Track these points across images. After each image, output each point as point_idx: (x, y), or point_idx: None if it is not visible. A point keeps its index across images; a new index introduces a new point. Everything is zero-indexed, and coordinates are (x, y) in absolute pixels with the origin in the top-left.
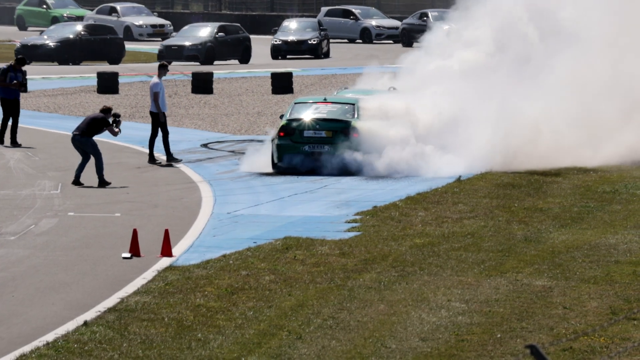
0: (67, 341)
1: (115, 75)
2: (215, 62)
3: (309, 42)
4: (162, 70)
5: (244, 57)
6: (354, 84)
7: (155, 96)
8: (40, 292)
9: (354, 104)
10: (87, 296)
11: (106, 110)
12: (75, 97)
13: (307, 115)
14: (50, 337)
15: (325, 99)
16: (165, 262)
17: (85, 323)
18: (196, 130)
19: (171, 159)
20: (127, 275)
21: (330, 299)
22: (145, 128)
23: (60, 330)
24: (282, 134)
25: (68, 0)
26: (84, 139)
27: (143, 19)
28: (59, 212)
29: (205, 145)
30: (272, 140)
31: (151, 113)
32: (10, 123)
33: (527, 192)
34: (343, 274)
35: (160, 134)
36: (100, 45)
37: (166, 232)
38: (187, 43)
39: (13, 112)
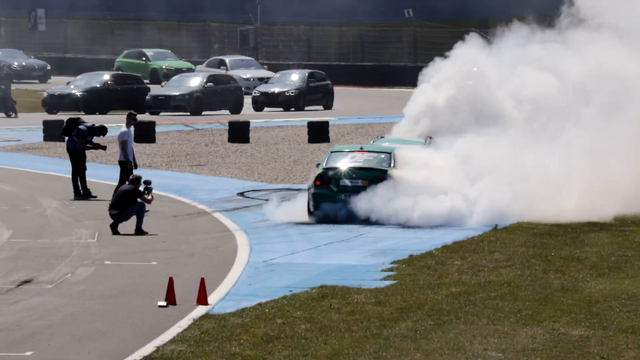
0: None
1: (153, 124)
2: (204, 113)
3: (286, 94)
4: (130, 120)
5: (235, 107)
6: (391, 133)
7: (123, 145)
8: (77, 340)
9: (390, 153)
10: (123, 345)
11: (135, 181)
12: (112, 147)
13: (344, 164)
14: None
15: (361, 148)
16: (201, 310)
17: None
18: (233, 179)
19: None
20: (163, 323)
21: (366, 347)
22: (181, 177)
23: None
24: (318, 182)
25: (168, 53)
26: (124, 216)
27: (251, 72)
28: (96, 260)
29: (241, 194)
30: (309, 189)
31: (119, 162)
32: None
33: (564, 241)
34: (379, 323)
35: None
36: (129, 94)
37: (202, 280)
38: (175, 93)
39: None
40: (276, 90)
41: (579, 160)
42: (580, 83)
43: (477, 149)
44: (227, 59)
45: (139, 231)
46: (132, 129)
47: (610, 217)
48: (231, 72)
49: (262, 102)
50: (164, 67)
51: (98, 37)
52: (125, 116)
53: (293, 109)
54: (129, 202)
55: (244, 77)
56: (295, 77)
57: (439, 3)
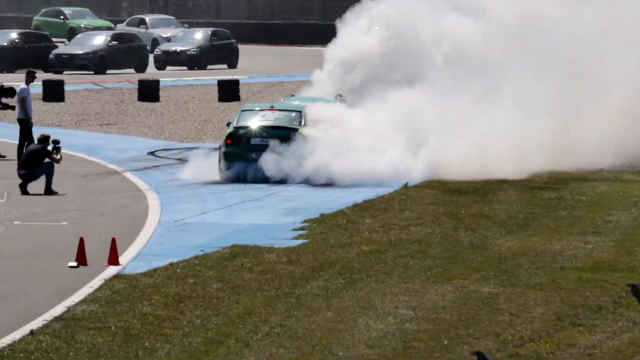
0: (13, 350)
1: (61, 83)
2: (108, 71)
3: (188, 53)
4: (29, 77)
5: (140, 66)
6: (301, 92)
7: (22, 101)
8: None
9: (300, 112)
10: (34, 305)
11: (44, 140)
12: None
13: (255, 122)
14: None
15: (272, 107)
16: (112, 270)
17: (32, 332)
18: (143, 138)
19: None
20: (74, 284)
21: (278, 306)
22: (91, 136)
23: (6, 340)
24: (229, 141)
25: (86, 11)
26: (32, 174)
27: (171, 31)
28: (5, 221)
29: (152, 153)
30: (219, 148)
31: (19, 120)
32: None
33: (473, 199)
34: (290, 282)
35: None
36: (37, 53)
37: (113, 240)
38: (79, 52)
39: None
40: (178, 48)
41: (504, 115)
42: (510, 27)
43: (390, 106)
44: (148, 18)
45: (49, 191)
46: (30, 86)
47: (528, 174)
48: (152, 31)
49: (164, 60)
50: (82, 25)
51: None
52: (25, 73)
53: (196, 68)
54: (38, 161)
55: (164, 35)
56: (198, 36)
57: None
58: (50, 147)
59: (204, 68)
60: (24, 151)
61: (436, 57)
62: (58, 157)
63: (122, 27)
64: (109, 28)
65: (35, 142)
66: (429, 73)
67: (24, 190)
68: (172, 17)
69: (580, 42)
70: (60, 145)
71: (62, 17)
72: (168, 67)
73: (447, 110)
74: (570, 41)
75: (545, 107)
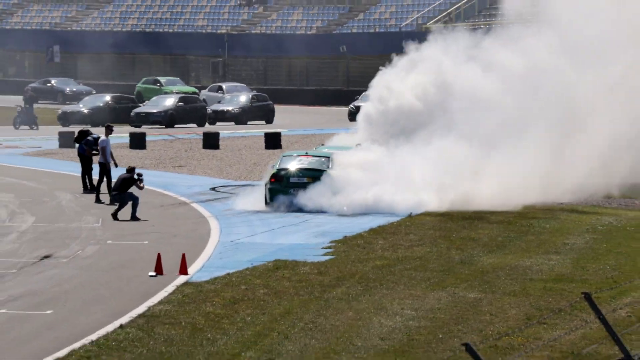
0: (106, 340)
1: (143, 134)
2: (176, 126)
3: (232, 112)
4: (108, 130)
5: (200, 121)
6: (330, 142)
7: (103, 150)
8: (86, 303)
9: (329, 157)
10: (123, 305)
11: (131, 170)
12: (115, 152)
13: (293, 165)
14: (93, 337)
15: (307, 153)
16: (182, 279)
17: (121, 326)
18: (206, 177)
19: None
20: (153, 289)
21: (310, 307)
22: (166, 175)
23: (102, 332)
24: (273, 179)
25: (177, 80)
26: (122, 195)
27: (244, 96)
28: (100, 240)
29: (213, 189)
30: (265, 185)
31: (99, 163)
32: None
33: (463, 225)
34: (320, 288)
35: (104, 179)
36: (125, 111)
37: (183, 256)
38: (153, 110)
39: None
40: (225, 108)
41: (495, 155)
42: (518, 80)
43: (402, 153)
44: (224, 85)
45: (134, 218)
46: (109, 137)
47: (512, 206)
48: (226, 96)
49: (214, 118)
50: (174, 91)
51: (102, 69)
52: (104, 128)
53: (237, 124)
54: (127, 186)
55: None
56: (242, 99)
57: (367, 42)
58: (135, 177)
59: (245, 124)
60: (118, 179)
61: (453, 108)
62: (142, 185)
63: (205, 93)
64: (194, 93)
65: (125, 171)
66: (446, 122)
67: (115, 217)
68: (244, 85)
69: (574, 93)
70: (142, 177)
71: (158, 84)
72: (217, 123)
73: (453, 154)
74: (565, 92)
75: (536, 152)
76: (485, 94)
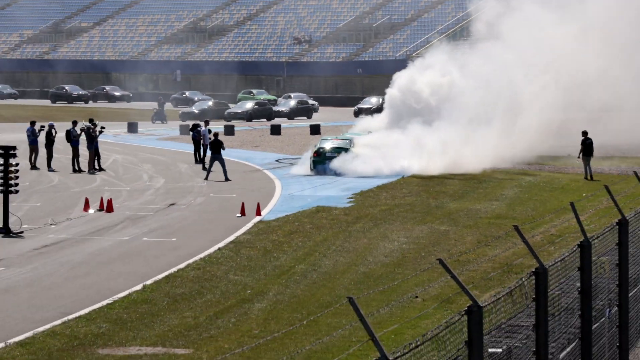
0: (209, 257)
1: (232, 127)
2: (254, 121)
3: (284, 111)
4: (206, 123)
5: (269, 118)
6: (352, 129)
7: (204, 136)
8: (198, 233)
9: (350, 140)
10: (220, 235)
11: (215, 135)
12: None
13: (328, 145)
14: (202, 255)
15: (336, 137)
16: (257, 218)
17: (219, 248)
18: (273, 153)
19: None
20: (239, 225)
21: (339, 236)
22: (247, 152)
23: (207, 252)
24: (315, 154)
25: (263, 91)
26: (217, 158)
27: (293, 101)
28: (205, 194)
29: (277, 161)
30: (310, 158)
31: (202, 145)
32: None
33: (437, 183)
34: (346, 224)
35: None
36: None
37: (258, 204)
38: (239, 110)
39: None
40: (280, 109)
41: (466, 135)
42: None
43: (389, 136)
44: (292, 95)
45: (226, 178)
46: (207, 128)
47: (471, 170)
48: (282, 100)
49: (275, 115)
50: (262, 98)
51: (208, 85)
52: (204, 122)
53: (287, 119)
54: (218, 146)
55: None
56: (291, 102)
57: (374, 66)
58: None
59: (293, 119)
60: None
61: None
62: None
63: (280, 100)
64: (275, 100)
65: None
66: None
67: (206, 178)
68: (304, 94)
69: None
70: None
71: (251, 93)
72: (276, 118)
73: (438, 134)
74: (510, 87)
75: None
76: (465, 90)
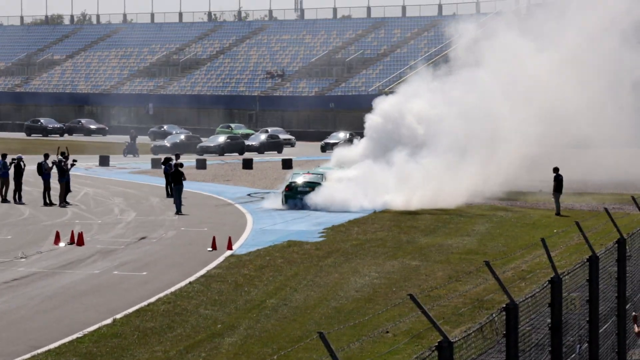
0: (180, 291)
1: (204, 160)
2: (225, 154)
3: (254, 145)
4: (177, 157)
5: (241, 152)
6: (323, 164)
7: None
8: (168, 267)
9: (323, 174)
10: (191, 269)
11: (177, 165)
12: (186, 170)
13: (300, 179)
14: (172, 289)
15: (308, 172)
16: (228, 252)
17: (190, 283)
18: (244, 187)
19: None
20: (210, 258)
21: (311, 271)
22: (218, 186)
23: (177, 286)
24: (287, 189)
25: (242, 125)
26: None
27: (263, 135)
28: (177, 227)
29: (249, 195)
30: (282, 192)
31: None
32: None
33: (408, 218)
34: (317, 259)
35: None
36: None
37: (229, 238)
38: (211, 144)
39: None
40: (251, 143)
41: (442, 168)
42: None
43: (368, 169)
44: (269, 129)
45: (177, 211)
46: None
47: (445, 205)
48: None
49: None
50: (240, 132)
51: (180, 118)
52: (174, 155)
53: (258, 154)
54: (179, 176)
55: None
56: (261, 136)
57: (347, 101)
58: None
59: (262, 153)
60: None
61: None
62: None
63: (256, 134)
64: (251, 134)
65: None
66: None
67: (179, 214)
68: (282, 129)
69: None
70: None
71: (230, 128)
72: (246, 153)
73: (420, 167)
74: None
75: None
76: (446, 120)
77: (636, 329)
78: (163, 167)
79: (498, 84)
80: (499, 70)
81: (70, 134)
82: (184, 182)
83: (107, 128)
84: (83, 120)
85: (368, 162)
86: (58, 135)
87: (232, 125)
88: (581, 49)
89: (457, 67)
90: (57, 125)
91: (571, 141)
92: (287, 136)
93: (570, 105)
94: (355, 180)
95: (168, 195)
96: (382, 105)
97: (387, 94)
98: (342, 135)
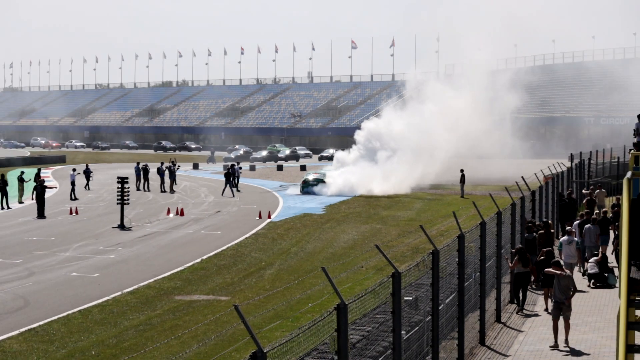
0: (239, 243)
1: (254, 165)
2: (266, 162)
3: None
4: (237, 164)
5: (276, 160)
6: (324, 168)
7: (237, 172)
8: (234, 229)
9: (324, 173)
10: (247, 230)
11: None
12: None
13: (311, 177)
14: (237, 241)
15: (315, 172)
16: (268, 220)
17: (246, 237)
18: (277, 181)
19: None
20: (258, 224)
21: (317, 231)
22: (261, 181)
23: (238, 240)
24: (303, 183)
25: (283, 145)
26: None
27: (303, 151)
28: (238, 206)
29: (280, 186)
30: (300, 184)
31: (236, 177)
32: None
33: (374, 200)
34: (320, 224)
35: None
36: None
37: (269, 212)
38: (258, 156)
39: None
40: (279, 155)
41: (398, 168)
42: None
43: (351, 169)
44: (297, 147)
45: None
46: (238, 166)
47: (396, 192)
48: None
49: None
50: (282, 149)
51: (241, 141)
52: (236, 163)
53: (285, 162)
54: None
55: (302, 152)
56: (287, 151)
57: (342, 130)
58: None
59: (287, 161)
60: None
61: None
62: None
63: (282, 150)
64: (292, 151)
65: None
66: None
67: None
68: (304, 147)
69: (431, 133)
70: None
71: (275, 147)
72: (279, 161)
73: (388, 167)
74: (428, 135)
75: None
76: (404, 136)
77: (509, 264)
78: (229, 169)
79: (434, 114)
80: (435, 106)
81: (180, 150)
82: (241, 178)
83: (201, 147)
84: (187, 142)
85: (352, 165)
86: (172, 151)
87: (277, 145)
88: (480, 95)
89: (409, 106)
90: (171, 145)
91: (477, 153)
92: (307, 151)
93: (476, 130)
94: (344, 176)
95: (231, 187)
96: (368, 126)
97: (360, 128)
98: (331, 151)
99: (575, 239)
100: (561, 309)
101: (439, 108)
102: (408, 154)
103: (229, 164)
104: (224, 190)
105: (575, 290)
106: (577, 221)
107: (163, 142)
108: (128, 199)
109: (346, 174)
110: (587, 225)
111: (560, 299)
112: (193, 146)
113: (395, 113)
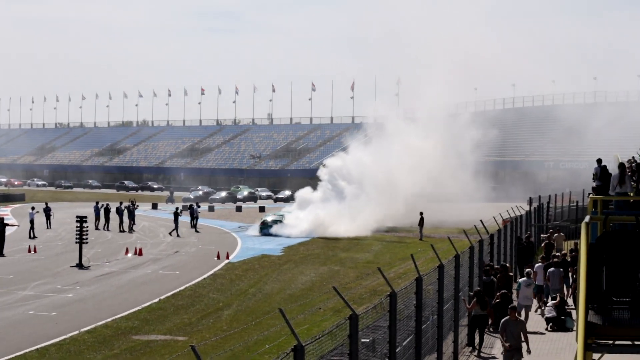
0: (198, 284)
1: (212, 206)
2: (225, 203)
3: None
4: (197, 205)
5: (234, 201)
6: (282, 209)
7: (195, 212)
8: (192, 269)
9: (283, 214)
10: (205, 270)
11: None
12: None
13: (269, 218)
14: (195, 281)
15: (274, 213)
16: (227, 261)
17: (204, 278)
18: (236, 222)
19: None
20: (216, 264)
21: (275, 272)
22: (219, 222)
23: (197, 280)
24: (261, 224)
25: (246, 186)
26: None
27: (265, 192)
28: (197, 246)
29: (239, 227)
30: (259, 225)
31: (195, 217)
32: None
33: (333, 242)
34: (278, 265)
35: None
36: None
37: (227, 252)
38: (217, 197)
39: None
40: (237, 196)
41: (359, 207)
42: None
43: (312, 210)
44: (259, 188)
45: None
46: (197, 206)
47: (356, 235)
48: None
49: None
50: (245, 190)
51: (199, 181)
52: (195, 203)
53: (243, 203)
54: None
55: (263, 194)
56: (245, 192)
57: (301, 172)
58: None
59: (245, 202)
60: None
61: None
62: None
63: (240, 190)
64: (250, 192)
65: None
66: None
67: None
68: (266, 188)
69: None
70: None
71: (239, 187)
72: (237, 202)
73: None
74: (390, 173)
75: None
76: (369, 173)
77: (467, 306)
78: (189, 210)
79: (397, 155)
80: (397, 146)
81: (142, 190)
82: (200, 219)
83: (163, 187)
84: (149, 182)
85: (319, 203)
86: (134, 191)
87: (241, 186)
88: (440, 138)
89: (369, 146)
90: (133, 184)
91: (439, 194)
92: (269, 192)
93: (437, 171)
94: (303, 217)
95: (191, 227)
96: (333, 163)
97: (320, 169)
98: (287, 192)
99: (535, 282)
100: (513, 355)
101: (402, 147)
102: (373, 193)
103: (188, 204)
104: (173, 230)
105: (526, 337)
106: (539, 264)
107: (125, 182)
108: (87, 238)
109: (313, 214)
110: (551, 269)
111: (512, 344)
112: (155, 186)
113: (361, 151)
